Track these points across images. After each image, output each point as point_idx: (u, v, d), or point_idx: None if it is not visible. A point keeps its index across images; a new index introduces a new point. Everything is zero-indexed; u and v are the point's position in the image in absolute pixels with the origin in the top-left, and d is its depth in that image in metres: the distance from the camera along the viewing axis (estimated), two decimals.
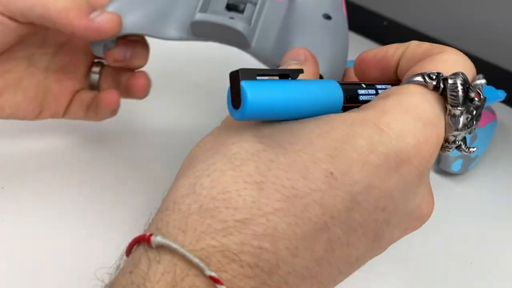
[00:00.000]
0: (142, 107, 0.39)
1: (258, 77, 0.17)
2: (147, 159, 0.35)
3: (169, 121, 0.39)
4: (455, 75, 0.19)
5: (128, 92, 0.31)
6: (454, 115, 0.19)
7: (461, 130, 0.19)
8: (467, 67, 0.20)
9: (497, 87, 0.55)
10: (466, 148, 0.20)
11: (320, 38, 0.27)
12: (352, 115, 0.18)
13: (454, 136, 0.19)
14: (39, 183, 0.31)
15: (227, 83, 0.18)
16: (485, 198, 0.37)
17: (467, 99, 0.19)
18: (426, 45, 0.21)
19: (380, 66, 0.22)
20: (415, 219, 0.20)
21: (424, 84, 0.19)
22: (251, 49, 0.28)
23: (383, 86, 0.22)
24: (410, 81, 0.19)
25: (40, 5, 0.25)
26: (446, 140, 0.19)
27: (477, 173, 0.39)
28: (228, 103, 0.18)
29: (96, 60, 0.32)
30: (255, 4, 0.28)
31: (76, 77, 0.32)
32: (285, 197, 0.16)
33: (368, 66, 0.23)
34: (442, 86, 0.19)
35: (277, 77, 0.19)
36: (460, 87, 0.18)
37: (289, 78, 0.19)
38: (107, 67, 0.32)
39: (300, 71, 0.19)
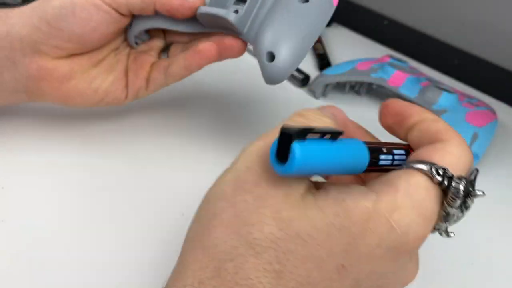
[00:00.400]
0: (145, 107, 0.39)
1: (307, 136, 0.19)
2: (149, 159, 0.35)
3: (172, 121, 0.39)
4: (460, 179, 0.20)
5: (221, 54, 0.33)
6: (448, 213, 0.21)
7: (448, 223, 0.22)
8: (467, 162, 0.22)
9: (497, 87, 0.55)
10: (446, 233, 0.23)
11: (288, 22, 0.29)
12: (369, 208, 0.20)
13: (440, 226, 0.22)
14: (40, 183, 0.31)
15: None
16: (485, 198, 0.37)
17: (464, 204, 0.21)
18: (440, 125, 0.23)
19: (395, 119, 0.25)
20: (402, 283, 0.23)
21: (430, 176, 0.20)
22: (243, 35, 0.31)
23: (399, 152, 0.24)
24: (417, 168, 0.21)
25: None
26: (433, 227, 0.22)
27: None
28: (271, 156, 0.19)
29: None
30: None
31: (152, 55, 0.35)
32: (300, 284, 0.18)
33: (388, 113, 0.25)
34: (446, 183, 0.20)
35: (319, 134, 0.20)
36: (462, 193, 0.20)
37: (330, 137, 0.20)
38: (173, 45, 0.36)
39: (341, 133, 0.20)
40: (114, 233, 0.29)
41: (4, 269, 0.26)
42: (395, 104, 0.25)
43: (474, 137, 0.38)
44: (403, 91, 0.42)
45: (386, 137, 0.42)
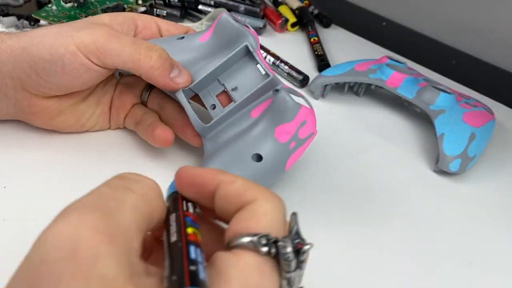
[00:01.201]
0: None
1: None
2: (148, 158, 0.35)
3: None
4: (284, 241, 0.19)
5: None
6: (289, 279, 0.19)
7: (294, 286, 0.19)
8: (281, 212, 0.20)
9: (495, 88, 0.55)
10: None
11: (235, 171, 0.29)
12: None
13: None
14: (41, 183, 0.31)
15: None
16: (483, 198, 0.37)
17: (298, 262, 0.19)
18: (238, 185, 0.20)
19: (194, 190, 0.22)
20: None
21: (256, 250, 0.18)
22: (203, 139, 0.33)
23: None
24: (239, 244, 0.19)
25: (131, 61, 0.30)
26: None
27: (475, 172, 0.39)
28: None
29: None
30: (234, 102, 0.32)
31: (135, 93, 0.36)
32: None
33: (184, 185, 0.22)
34: (273, 250, 0.19)
35: None
36: (292, 255, 0.18)
37: None
38: (155, 89, 0.36)
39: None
40: None
41: (5, 269, 0.26)
42: (187, 173, 0.22)
43: (472, 137, 0.38)
44: (401, 92, 0.42)
45: (392, 141, 0.42)
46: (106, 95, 0.35)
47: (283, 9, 0.59)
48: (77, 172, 0.33)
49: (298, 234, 0.20)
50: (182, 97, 0.32)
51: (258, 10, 0.55)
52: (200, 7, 0.54)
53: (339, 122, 0.43)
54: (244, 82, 0.32)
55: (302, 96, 0.31)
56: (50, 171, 0.32)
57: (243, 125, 0.32)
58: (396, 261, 0.31)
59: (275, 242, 0.19)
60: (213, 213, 0.22)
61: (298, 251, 0.19)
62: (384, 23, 0.66)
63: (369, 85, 0.46)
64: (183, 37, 0.34)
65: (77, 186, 0.32)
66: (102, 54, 0.30)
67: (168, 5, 0.54)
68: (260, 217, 0.19)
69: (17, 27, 0.48)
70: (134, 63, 0.30)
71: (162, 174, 0.34)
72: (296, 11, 0.59)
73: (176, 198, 0.22)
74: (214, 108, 0.33)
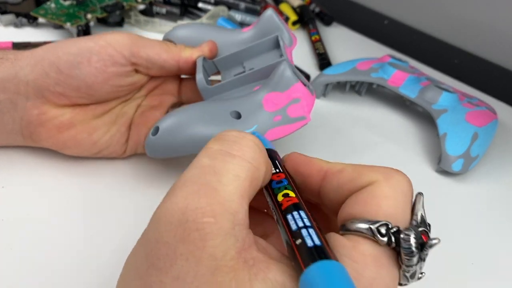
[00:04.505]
0: None
1: None
2: (148, 159, 0.35)
3: None
4: (407, 233, 0.17)
5: None
6: (409, 272, 0.17)
7: (413, 280, 0.18)
8: (406, 194, 0.18)
9: (497, 87, 0.55)
10: (418, 279, 0.18)
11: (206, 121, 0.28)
12: None
13: (406, 282, 0.18)
14: (40, 183, 0.31)
15: None
16: (485, 198, 0.37)
17: (421, 256, 0.17)
18: (348, 173, 0.19)
19: (301, 179, 0.21)
20: None
21: (373, 239, 0.17)
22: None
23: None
24: (356, 231, 0.17)
25: (165, 51, 0.31)
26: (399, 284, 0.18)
27: (478, 172, 0.39)
28: None
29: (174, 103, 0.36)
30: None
31: (160, 110, 0.34)
32: None
33: (292, 170, 0.21)
34: (394, 242, 0.17)
35: None
36: (415, 250, 0.16)
37: None
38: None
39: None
40: (114, 233, 0.29)
41: (3, 269, 0.26)
42: (297, 159, 0.21)
43: (475, 137, 0.38)
44: (403, 91, 0.42)
45: (393, 141, 0.42)
46: (124, 116, 0.33)
47: (284, 7, 0.59)
48: (78, 173, 0.32)
49: (423, 221, 0.18)
50: (199, 60, 0.32)
51: (258, 8, 0.55)
52: (200, 5, 0.54)
53: (340, 121, 0.43)
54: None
55: (307, 83, 0.30)
56: (49, 171, 0.32)
57: (239, 94, 0.31)
58: None
59: (397, 232, 0.17)
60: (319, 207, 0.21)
61: (423, 245, 0.17)
62: (386, 21, 0.66)
63: (370, 84, 0.46)
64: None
65: (77, 186, 0.32)
66: (136, 46, 0.30)
67: (167, 2, 0.53)
68: (380, 201, 0.17)
69: (15, 25, 0.47)
70: (168, 52, 0.31)
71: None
72: (297, 9, 0.59)
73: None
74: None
